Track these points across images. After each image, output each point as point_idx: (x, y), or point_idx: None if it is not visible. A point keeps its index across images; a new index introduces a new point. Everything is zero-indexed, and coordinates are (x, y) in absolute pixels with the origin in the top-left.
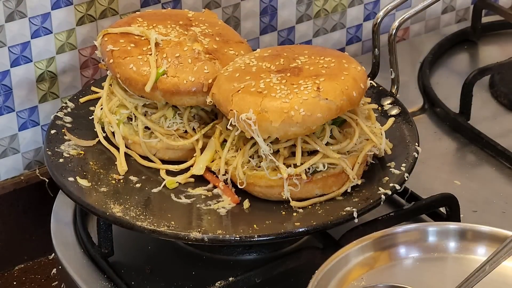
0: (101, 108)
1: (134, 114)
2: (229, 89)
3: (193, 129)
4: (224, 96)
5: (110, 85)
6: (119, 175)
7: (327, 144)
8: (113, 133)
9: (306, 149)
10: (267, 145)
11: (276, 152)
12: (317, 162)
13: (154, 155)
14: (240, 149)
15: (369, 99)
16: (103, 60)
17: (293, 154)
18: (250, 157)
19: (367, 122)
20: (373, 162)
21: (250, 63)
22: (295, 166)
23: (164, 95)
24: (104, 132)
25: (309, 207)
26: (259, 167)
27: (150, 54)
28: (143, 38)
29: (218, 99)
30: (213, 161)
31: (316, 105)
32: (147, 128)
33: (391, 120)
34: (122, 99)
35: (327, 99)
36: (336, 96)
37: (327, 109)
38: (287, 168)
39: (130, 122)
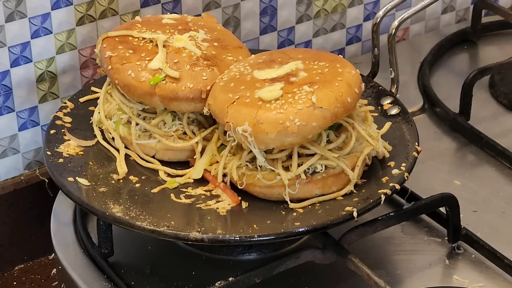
0: (99, 113)
1: (132, 118)
2: (224, 100)
3: (193, 132)
4: (220, 107)
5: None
6: (119, 175)
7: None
8: (112, 138)
9: (304, 152)
10: (264, 152)
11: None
12: (315, 163)
13: (153, 156)
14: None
15: (365, 101)
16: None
17: (290, 156)
18: (248, 161)
19: (364, 125)
20: (373, 162)
21: (245, 71)
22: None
23: (162, 100)
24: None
25: (309, 206)
26: (260, 166)
27: (149, 60)
28: (141, 44)
29: (214, 110)
30: (211, 164)
31: (311, 114)
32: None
33: (388, 124)
34: (121, 104)
35: (321, 107)
36: (331, 104)
37: (322, 117)
38: (286, 169)
39: (130, 123)
